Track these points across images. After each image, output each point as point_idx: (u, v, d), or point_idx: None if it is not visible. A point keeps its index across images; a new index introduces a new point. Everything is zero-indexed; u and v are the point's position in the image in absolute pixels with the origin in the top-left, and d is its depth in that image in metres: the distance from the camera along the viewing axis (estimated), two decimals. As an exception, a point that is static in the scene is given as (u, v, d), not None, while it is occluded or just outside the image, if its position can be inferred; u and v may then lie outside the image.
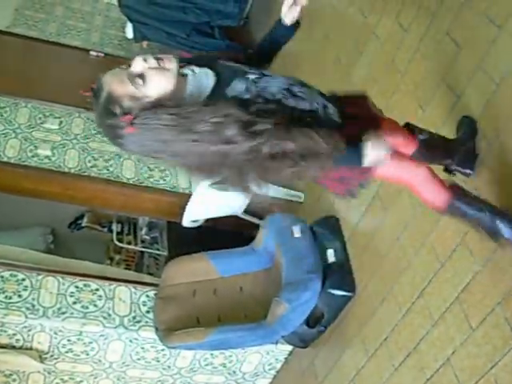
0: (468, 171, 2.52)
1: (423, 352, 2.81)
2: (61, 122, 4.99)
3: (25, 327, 3.71)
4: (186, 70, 1.79)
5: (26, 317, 3.69)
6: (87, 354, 3.95)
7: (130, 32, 5.91)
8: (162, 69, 1.68)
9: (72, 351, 3.92)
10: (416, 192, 2.17)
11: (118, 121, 1.65)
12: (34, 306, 3.76)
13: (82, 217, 6.13)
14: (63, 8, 6.53)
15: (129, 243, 5.70)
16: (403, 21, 3.30)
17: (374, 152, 1.84)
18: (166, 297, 3.92)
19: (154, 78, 1.67)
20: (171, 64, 1.70)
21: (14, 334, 3.74)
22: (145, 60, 1.68)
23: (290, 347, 4.01)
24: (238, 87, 1.75)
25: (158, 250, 5.67)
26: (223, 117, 1.60)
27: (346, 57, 3.93)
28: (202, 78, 1.77)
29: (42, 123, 4.93)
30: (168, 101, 1.65)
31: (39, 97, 5.12)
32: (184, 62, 1.82)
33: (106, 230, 6.05)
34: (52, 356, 3.91)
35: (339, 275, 3.48)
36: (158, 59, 1.69)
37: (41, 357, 3.86)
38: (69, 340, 3.85)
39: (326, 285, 3.43)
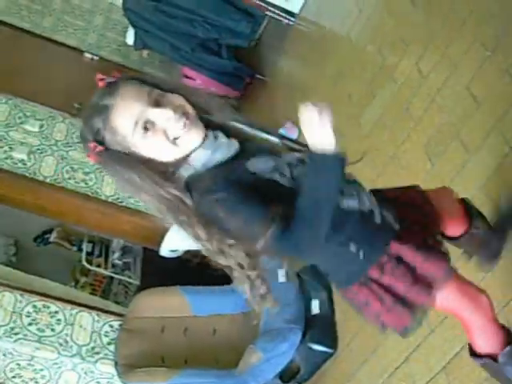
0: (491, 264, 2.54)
1: (402, 424, 2.92)
2: (42, 125, 5.09)
3: (-30, 346, 3.76)
4: (210, 134, 1.63)
5: (-27, 334, 3.74)
6: (36, 382, 4.00)
7: (130, 38, 6.02)
8: (175, 141, 1.56)
9: (20, 377, 3.97)
10: (466, 328, 2.00)
11: (90, 138, 1.59)
12: (-17, 322, 3.81)
13: (50, 231, 6.19)
14: (62, 2, 6.62)
15: (98, 266, 5.75)
16: (423, 67, 3.47)
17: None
18: (131, 329, 3.99)
19: (159, 141, 1.56)
20: (189, 144, 1.58)
21: (-42, 353, 3.80)
22: (171, 119, 1.54)
23: (258, 402, 4.08)
24: (262, 162, 1.61)
25: (130, 277, 5.72)
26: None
27: (358, 97, 4.09)
28: (222, 146, 1.63)
29: (21, 123, 5.02)
30: (150, 165, 1.58)
31: (22, 94, 5.24)
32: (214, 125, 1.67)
33: (75, 248, 6.11)
34: (-3, 379, 3.96)
35: (321, 329, 3.57)
36: (184, 129, 1.55)
37: (-16, 380, 3.91)
38: (18, 364, 3.91)
39: (306, 338, 3.53)
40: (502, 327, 2.02)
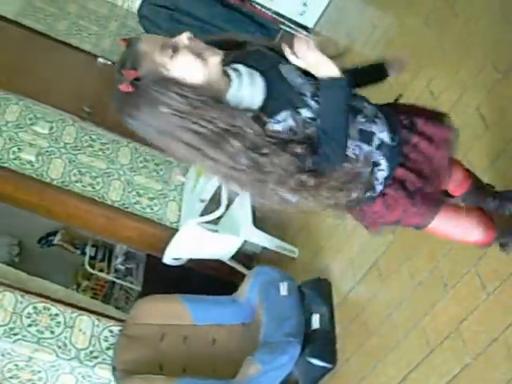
0: None
1: None
2: (51, 128, 5.12)
3: (-31, 345, 3.77)
4: (230, 71, 1.74)
5: (-28, 333, 3.74)
6: (32, 383, 4.00)
7: (144, 45, 6.04)
8: (200, 56, 1.63)
9: (17, 377, 3.97)
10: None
11: (122, 73, 1.62)
12: (-17, 321, 3.81)
13: (54, 233, 6.22)
14: (78, 6, 6.64)
15: (101, 270, 5.78)
16: (434, 88, 3.49)
17: None
18: (131, 335, 4.00)
19: (187, 58, 1.62)
20: (213, 58, 1.64)
21: (-43, 353, 3.80)
22: (190, 39, 1.64)
23: (254, 414, 4.07)
24: (281, 124, 1.67)
25: (132, 283, 5.74)
26: (235, 128, 1.59)
27: (369, 113, 4.10)
28: (248, 92, 1.70)
29: (31, 125, 5.05)
30: (189, 86, 1.61)
31: (34, 96, 5.26)
32: (232, 56, 1.78)
33: (78, 251, 6.14)
34: (-5, 379, 3.97)
35: (321, 344, 3.58)
36: (203, 47, 1.65)
37: (-18, 379, 3.91)
38: (16, 365, 3.91)
39: (305, 352, 3.54)
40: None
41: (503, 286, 2.56)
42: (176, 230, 4.64)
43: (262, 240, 4.47)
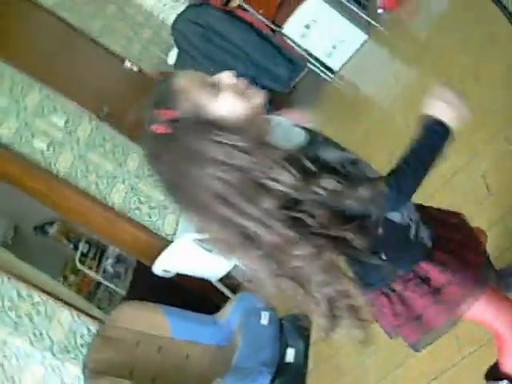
0: None
1: None
2: (68, 121, 5.15)
3: None
4: (271, 116, 1.60)
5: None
6: (1, 366, 3.97)
7: (172, 58, 6.12)
8: (243, 95, 1.48)
9: (-13, 359, 3.96)
10: (498, 343, 1.92)
11: (158, 112, 1.45)
12: (-37, 297, 3.83)
13: (51, 223, 6.24)
14: (116, 8, 6.75)
15: (90, 268, 5.78)
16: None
17: None
18: (107, 337, 4.00)
19: (229, 98, 1.47)
20: (255, 98, 1.50)
21: None
22: (233, 77, 1.50)
23: None
24: (331, 154, 1.55)
25: (117, 286, 5.74)
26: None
27: (377, 163, 4.14)
28: (289, 131, 1.59)
29: (48, 114, 5.09)
30: (230, 127, 1.43)
31: (57, 87, 5.31)
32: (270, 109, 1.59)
33: (71, 245, 6.16)
34: (-36, 357, 3.94)
35: (291, 378, 3.59)
36: (246, 86, 1.51)
37: (-49, 357, 3.88)
38: (-12, 347, 3.90)
39: (274, 382, 3.54)
40: None
41: (479, 352, 2.57)
42: (170, 242, 4.65)
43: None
